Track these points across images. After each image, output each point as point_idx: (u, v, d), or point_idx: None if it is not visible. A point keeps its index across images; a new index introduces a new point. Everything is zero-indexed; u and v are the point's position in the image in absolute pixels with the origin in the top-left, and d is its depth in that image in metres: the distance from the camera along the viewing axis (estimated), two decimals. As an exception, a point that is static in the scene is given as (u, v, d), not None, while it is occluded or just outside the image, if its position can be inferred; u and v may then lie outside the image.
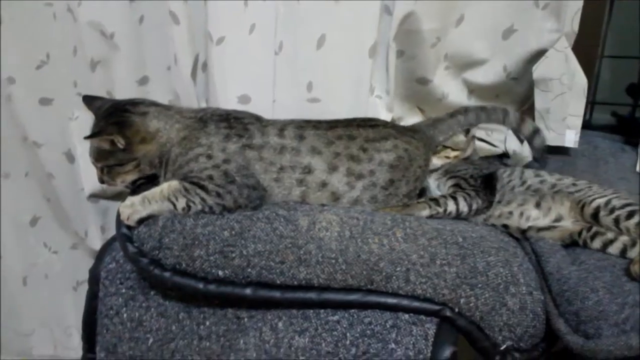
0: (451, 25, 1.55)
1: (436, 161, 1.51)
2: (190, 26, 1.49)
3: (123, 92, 1.58)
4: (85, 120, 1.65)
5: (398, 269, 1.10)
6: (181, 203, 1.19)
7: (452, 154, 1.52)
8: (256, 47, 1.49)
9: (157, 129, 1.29)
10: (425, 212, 1.31)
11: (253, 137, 1.27)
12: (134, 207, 1.20)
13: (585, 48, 1.60)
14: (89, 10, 1.53)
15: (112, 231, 1.79)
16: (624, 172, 1.59)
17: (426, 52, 1.52)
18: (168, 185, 1.21)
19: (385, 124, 1.40)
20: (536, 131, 1.55)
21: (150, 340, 1.23)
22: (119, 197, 1.76)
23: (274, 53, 1.49)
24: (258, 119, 1.34)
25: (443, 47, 1.56)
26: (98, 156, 1.30)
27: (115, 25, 1.54)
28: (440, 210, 1.31)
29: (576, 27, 1.49)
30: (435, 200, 1.33)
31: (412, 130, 1.42)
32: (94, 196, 1.76)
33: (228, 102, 1.52)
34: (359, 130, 1.33)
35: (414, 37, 1.48)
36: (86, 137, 1.29)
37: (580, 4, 1.47)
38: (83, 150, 1.67)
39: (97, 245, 1.79)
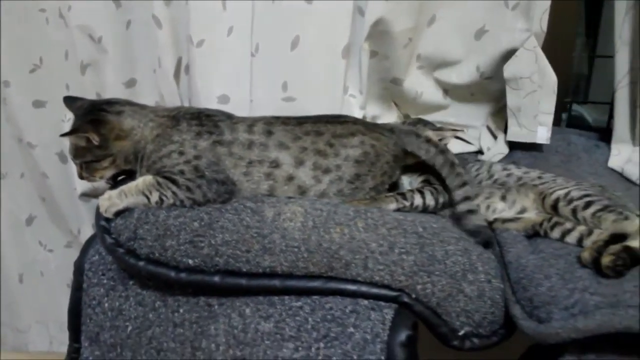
0: (423, 26, 1.59)
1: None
2: (173, 29, 1.56)
3: (111, 93, 1.65)
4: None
5: (357, 256, 1.14)
6: (154, 197, 1.25)
7: None
8: (234, 49, 1.54)
9: (132, 127, 1.35)
10: (392, 206, 1.34)
11: (223, 133, 1.33)
12: (112, 200, 1.26)
13: (560, 46, 1.63)
14: (78, 15, 1.59)
15: (102, 228, 1.87)
16: (596, 168, 1.62)
17: (399, 53, 1.57)
18: (143, 180, 1.27)
19: (355, 120, 1.43)
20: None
21: (129, 328, 1.28)
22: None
23: (251, 54, 1.55)
24: (229, 116, 1.39)
25: (416, 47, 1.61)
26: (76, 153, 1.37)
27: (103, 29, 1.61)
28: (407, 203, 1.35)
29: (545, 27, 1.52)
30: (402, 195, 1.36)
31: (383, 127, 1.45)
32: (85, 195, 1.82)
33: (209, 102, 1.58)
34: (327, 126, 1.37)
35: (387, 37, 1.53)
36: (62, 135, 1.37)
37: (548, 3, 1.50)
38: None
39: (89, 242, 1.85)
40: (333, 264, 1.15)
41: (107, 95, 1.67)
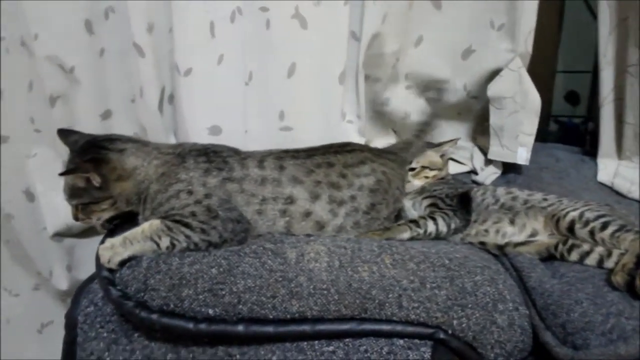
0: (410, 46, 1.59)
1: (417, 182, 1.54)
2: (156, 58, 1.47)
3: (85, 126, 1.53)
4: (45, 157, 1.60)
5: (390, 295, 1.11)
6: (165, 242, 1.16)
7: (431, 173, 1.55)
8: (225, 78, 1.48)
9: (135, 166, 1.25)
10: (406, 235, 1.33)
11: (233, 169, 1.26)
12: (115, 249, 1.16)
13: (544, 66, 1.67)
14: (46, 44, 1.48)
15: (79, 270, 1.75)
16: (586, 183, 1.66)
17: (388, 74, 1.55)
18: (149, 225, 1.18)
19: (361, 148, 1.41)
20: None
21: (137, 385, 1.19)
22: (85, 234, 1.71)
23: (244, 83, 1.49)
24: (236, 152, 1.33)
25: (403, 67, 1.60)
26: (72, 193, 1.25)
27: (75, 59, 1.50)
28: (421, 231, 1.33)
29: (530, 48, 1.55)
30: (415, 222, 1.35)
31: (386, 152, 1.44)
32: (58, 235, 1.69)
33: (198, 133, 1.51)
34: (337, 156, 1.34)
35: (378, 60, 1.52)
36: (61, 174, 1.24)
37: (533, 25, 1.53)
38: (44, 188, 1.62)
39: (63, 285, 1.72)
40: (366, 304, 1.10)
41: (80, 127, 1.54)
